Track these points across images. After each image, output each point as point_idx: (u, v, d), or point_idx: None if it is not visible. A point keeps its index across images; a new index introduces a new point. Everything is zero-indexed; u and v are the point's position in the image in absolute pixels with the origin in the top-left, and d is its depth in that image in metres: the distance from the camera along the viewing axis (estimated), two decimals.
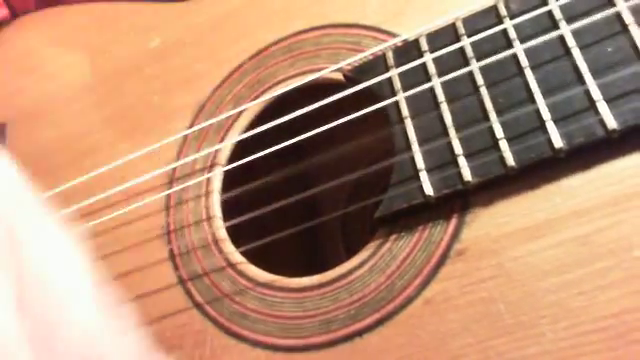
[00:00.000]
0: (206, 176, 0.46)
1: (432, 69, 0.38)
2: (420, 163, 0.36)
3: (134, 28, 0.56)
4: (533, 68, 0.35)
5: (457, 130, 0.36)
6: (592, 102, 0.33)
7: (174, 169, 0.47)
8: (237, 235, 0.44)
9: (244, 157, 0.44)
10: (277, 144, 0.42)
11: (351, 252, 0.39)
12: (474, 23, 0.38)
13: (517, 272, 0.33)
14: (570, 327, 0.30)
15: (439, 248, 0.35)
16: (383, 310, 0.36)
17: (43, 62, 0.59)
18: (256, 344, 0.39)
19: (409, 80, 0.39)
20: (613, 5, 0.34)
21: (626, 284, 0.30)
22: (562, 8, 0.36)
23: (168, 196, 0.46)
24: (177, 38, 0.53)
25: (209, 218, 0.44)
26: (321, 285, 0.39)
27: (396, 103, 0.39)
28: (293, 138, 0.42)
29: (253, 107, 0.47)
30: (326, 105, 0.41)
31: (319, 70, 0.44)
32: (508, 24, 0.37)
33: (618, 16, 0.34)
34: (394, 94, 0.39)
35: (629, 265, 0.30)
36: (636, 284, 0.30)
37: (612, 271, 0.30)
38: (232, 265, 0.42)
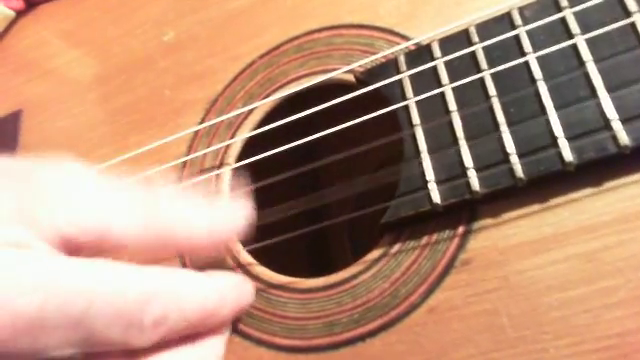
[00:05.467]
0: (215, 172, 0.46)
1: (444, 75, 0.38)
2: (429, 171, 0.36)
3: (148, 21, 0.56)
4: (546, 79, 0.35)
5: (467, 139, 0.36)
6: (605, 117, 0.32)
7: (184, 164, 0.47)
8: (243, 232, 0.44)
9: (254, 155, 0.44)
10: (287, 144, 0.42)
11: (358, 251, 0.39)
12: (487, 29, 0.38)
13: (522, 285, 0.33)
14: (573, 345, 0.30)
15: (445, 257, 0.35)
16: (386, 316, 0.36)
17: (57, 52, 0.60)
18: (260, 343, 0.39)
19: (420, 85, 0.39)
20: (629, 16, 0.34)
21: (632, 304, 0.30)
22: (577, 17, 0.35)
23: None
24: (191, 33, 0.53)
25: None
26: (326, 287, 0.39)
27: (406, 108, 0.39)
28: (303, 138, 0.41)
29: (264, 105, 0.47)
30: (337, 106, 0.41)
31: (331, 70, 0.44)
32: (522, 31, 0.36)
33: (634, 28, 0.33)
34: (405, 98, 0.39)
35: (636, 285, 0.30)
36: None
37: (618, 290, 0.30)
38: (239, 264, 0.42)
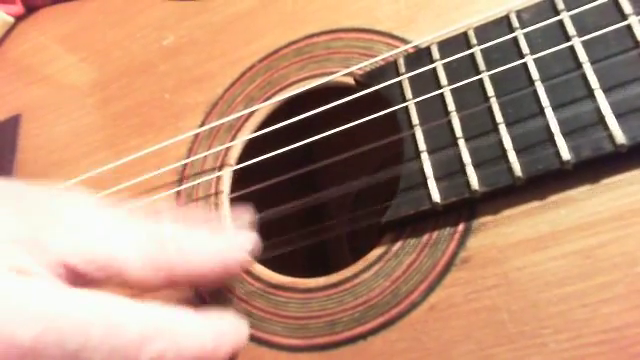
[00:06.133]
0: (216, 175, 0.46)
1: (442, 76, 0.39)
2: (428, 170, 0.37)
3: (148, 25, 0.56)
4: (543, 80, 0.35)
5: (466, 139, 0.36)
6: (601, 117, 0.33)
7: (184, 167, 0.48)
8: None
9: (254, 158, 0.44)
10: (287, 146, 0.43)
11: (355, 252, 0.40)
12: (486, 32, 0.39)
13: (521, 282, 0.33)
14: (572, 339, 0.31)
15: (445, 255, 0.36)
16: (387, 314, 0.36)
17: (56, 56, 0.60)
18: (261, 342, 0.39)
19: (419, 87, 0.39)
20: (625, 19, 0.35)
21: (629, 298, 0.30)
22: (573, 19, 0.36)
23: (177, 194, 0.47)
24: (191, 36, 0.54)
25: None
26: (327, 287, 0.39)
27: (406, 109, 0.39)
28: (302, 140, 0.42)
29: (264, 108, 0.47)
30: (337, 109, 0.41)
31: (330, 74, 0.45)
32: (520, 34, 0.37)
33: (629, 30, 0.34)
34: (404, 100, 0.39)
35: (632, 280, 0.31)
36: (639, 299, 0.30)
37: (615, 285, 0.31)
38: None
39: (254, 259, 0.41)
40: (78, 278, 0.31)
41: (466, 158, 0.36)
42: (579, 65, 0.35)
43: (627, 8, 0.35)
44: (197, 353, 0.32)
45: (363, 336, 0.36)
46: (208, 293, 0.42)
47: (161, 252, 0.33)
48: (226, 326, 0.36)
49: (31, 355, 0.27)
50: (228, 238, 0.37)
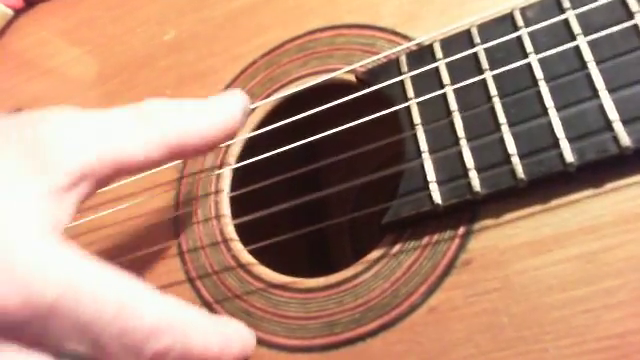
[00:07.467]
0: (216, 173, 0.46)
1: (445, 75, 0.38)
2: (430, 171, 0.36)
3: (149, 20, 0.56)
4: (547, 80, 0.35)
5: (468, 139, 0.36)
6: (606, 118, 0.32)
7: (184, 165, 0.47)
8: (244, 232, 0.44)
9: (254, 156, 0.44)
10: (288, 144, 0.42)
11: (358, 249, 0.40)
12: (489, 30, 0.38)
13: (522, 286, 0.33)
14: (573, 345, 0.30)
15: (445, 257, 0.35)
16: (387, 316, 0.36)
17: (58, 51, 0.60)
18: (260, 342, 0.39)
19: (422, 85, 0.39)
20: (632, 17, 0.34)
21: (632, 304, 0.30)
22: (579, 18, 0.35)
23: (177, 192, 0.47)
24: (192, 31, 0.53)
25: (218, 216, 0.44)
26: (326, 287, 0.39)
27: (408, 108, 0.39)
28: (304, 138, 0.42)
29: (265, 105, 0.47)
30: (339, 106, 0.41)
31: (332, 70, 0.44)
32: (524, 32, 0.37)
33: (636, 30, 0.34)
34: (406, 99, 0.39)
35: (636, 286, 0.30)
36: None
37: (618, 291, 0.30)
38: (240, 264, 0.42)
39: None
40: (96, 181, 0.32)
41: (468, 159, 0.35)
42: (584, 65, 0.34)
43: (634, 6, 0.34)
44: (202, 355, 0.32)
45: (362, 338, 0.36)
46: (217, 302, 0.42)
47: (163, 126, 0.34)
48: (234, 333, 0.36)
49: (46, 315, 0.27)
50: (218, 102, 0.38)
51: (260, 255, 0.43)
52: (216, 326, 0.34)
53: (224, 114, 0.37)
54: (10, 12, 0.65)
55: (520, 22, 0.37)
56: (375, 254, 0.38)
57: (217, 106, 0.37)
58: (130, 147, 0.33)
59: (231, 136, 0.38)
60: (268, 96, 0.47)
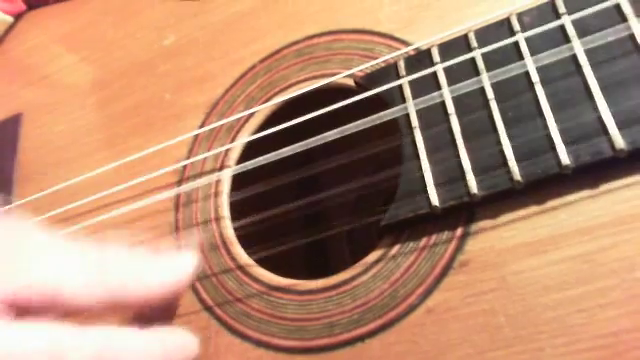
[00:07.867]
0: (216, 175, 0.46)
1: (443, 80, 0.39)
2: (427, 174, 0.37)
3: (149, 25, 0.56)
4: (544, 83, 0.35)
5: (465, 142, 0.36)
6: (601, 121, 0.33)
7: (184, 168, 0.48)
8: (243, 234, 0.45)
9: (254, 158, 0.44)
10: (287, 147, 0.42)
11: (356, 251, 0.40)
12: (486, 35, 0.38)
13: (519, 286, 0.33)
14: (569, 344, 0.31)
15: (443, 258, 0.36)
16: (385, 317, 0.36)
17: (57, 56, 0.60)
18: (259, 344, 0.39)
19: (419, 90, 0.39)
20: (627, 23, 0.35)
21: (626, 304, 0.30)
22: (575, 23, 0.36)
23: (177, 194, 0.47)
24: (191, 37, 0.54)
25: (217, 218, 0.45)
26: (325, 289, 0.39)
27: (406, 112, 0.39)
28: (302, 141, 0.42)
29: (264, 109, 0.47)
30: (337, 110, 0.41)
31: (330, 75, 0.45)
32: (520, 37, 0.37)
33: (631, 34, 0.34)
34: (404, 102, 0.39)
35: (630, 285, 0.30)
36: (636, 304, 0.30)
37: (613, 290, 0.31)
38: (239, 266, 0.43)
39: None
40: (25, 308, 0.32)
41: (465, 162, 0.36)
42: (580, 69, 0.35)
43: (629, 12, 0.34)
44: None
45: (361, 338, 0.36)
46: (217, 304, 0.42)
47: (108, 277, 0.34)
48: (175, 341, 0.36)
49: None
50: (169, 260, 0.38)
51: (256, 256, 0.43)
52: (153, 338, 0.35)
53: (171, 281, 0.37)
54: (10, 19, 0.65)
55: (517, 27, 0.37)
56: (373, 256, 0.38)
57: (168, 270, 0.38)
58: (75, 292, 0.33)
59: (175, 296, 0.39)
60: (267, 100, 0.47)
